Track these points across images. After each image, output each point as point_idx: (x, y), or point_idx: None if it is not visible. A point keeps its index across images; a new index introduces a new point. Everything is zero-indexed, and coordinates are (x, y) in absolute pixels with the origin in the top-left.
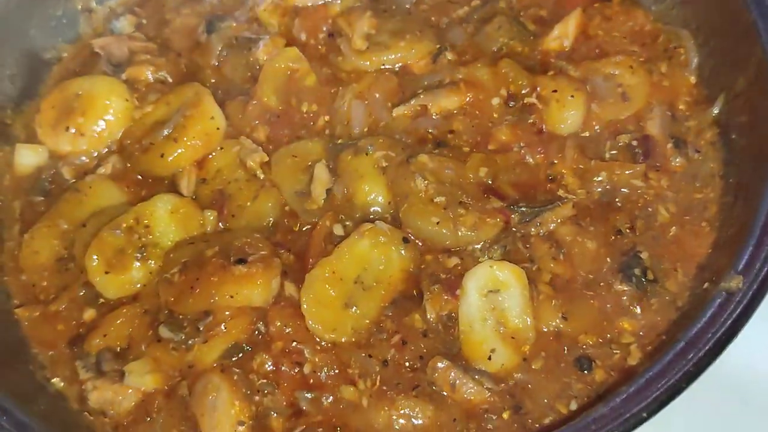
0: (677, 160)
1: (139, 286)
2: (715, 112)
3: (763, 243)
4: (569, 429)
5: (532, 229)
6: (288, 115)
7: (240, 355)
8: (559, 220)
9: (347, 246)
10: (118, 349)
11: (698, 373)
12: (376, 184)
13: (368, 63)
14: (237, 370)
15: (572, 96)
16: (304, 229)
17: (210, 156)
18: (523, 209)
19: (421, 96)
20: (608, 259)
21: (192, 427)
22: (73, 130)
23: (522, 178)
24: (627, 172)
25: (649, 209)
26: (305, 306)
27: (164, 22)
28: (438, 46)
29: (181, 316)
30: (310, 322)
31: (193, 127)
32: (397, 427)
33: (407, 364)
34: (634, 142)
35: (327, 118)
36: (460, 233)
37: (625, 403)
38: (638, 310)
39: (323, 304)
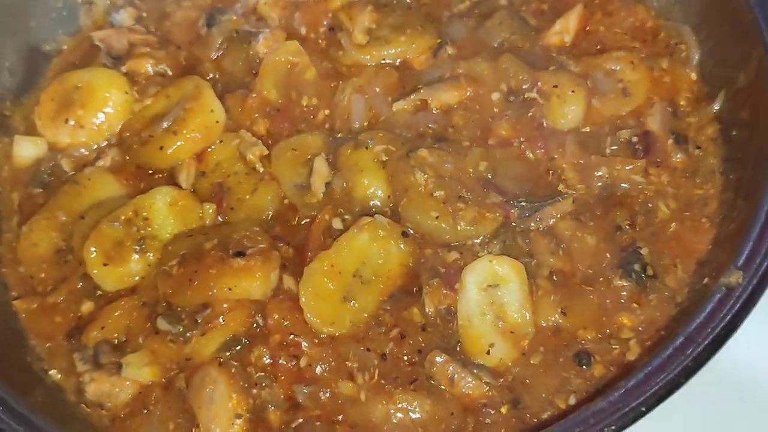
0: (678, 155)
1: (137, 278)
2: (716, 108)
3: (763, 238)
4: (568, 423)
5: (532, 224)
6: (288, 108)
7: (238, 347)
8: (558, 215)
9: (346, 240)
10: (116, 342)
11: (697, 368)
12: (376, 178)
13: (369, 57)
14: (235, 363)
15: (573, 91)
16: (303, 222)
17: (209, 149)
18: (523, 204)
19: (422, 90)
20: (608, 255)
21: (189, 420)
22: (72, 123)
23: (522, 172)
24: (627, 167)
25: (650, 205)
26: (304, 299)
27: (164, 15)
28: (439, 40)
29: (179, 309)
30: (308, 315)
31: (192, 120)
32: (394, 420)
33: (405, 358)
34: (635, 138)
35: (327, 111)
36: (459, 228)
37: (624, 398)
38: (637, 305)
39: (322, 298)
